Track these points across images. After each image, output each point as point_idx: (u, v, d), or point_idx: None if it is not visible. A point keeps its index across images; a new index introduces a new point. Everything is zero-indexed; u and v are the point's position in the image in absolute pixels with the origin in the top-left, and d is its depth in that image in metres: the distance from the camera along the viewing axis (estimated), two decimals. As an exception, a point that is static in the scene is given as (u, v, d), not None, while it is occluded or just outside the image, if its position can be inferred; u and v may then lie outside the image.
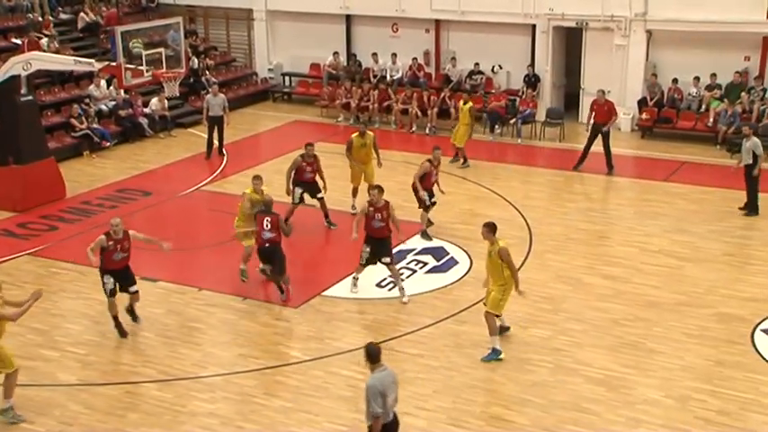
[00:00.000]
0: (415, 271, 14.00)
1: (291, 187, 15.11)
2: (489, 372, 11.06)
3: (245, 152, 20.75)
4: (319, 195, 15.41)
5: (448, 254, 14.65)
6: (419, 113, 22.65)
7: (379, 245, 12.73)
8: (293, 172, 15.11)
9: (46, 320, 12.41)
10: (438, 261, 14.36)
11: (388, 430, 8.21)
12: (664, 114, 21.81)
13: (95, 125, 21.06)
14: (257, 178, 13.49)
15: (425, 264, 14.26)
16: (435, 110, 22.45)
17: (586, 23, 22.41)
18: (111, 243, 11.65)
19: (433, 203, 15.19)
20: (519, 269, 11.48)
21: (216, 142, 20.23)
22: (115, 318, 11.82)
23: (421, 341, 11.82)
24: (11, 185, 16.82)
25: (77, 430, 9.86)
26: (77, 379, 10.89)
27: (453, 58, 24.22)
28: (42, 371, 11.07)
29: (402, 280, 13.08)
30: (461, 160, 19.32)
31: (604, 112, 18.71)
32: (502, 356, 11.18)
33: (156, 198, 17.44)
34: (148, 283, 13.44)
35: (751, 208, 16.25)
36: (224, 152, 20.09)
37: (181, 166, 19.75)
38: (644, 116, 21.89)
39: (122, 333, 11.74)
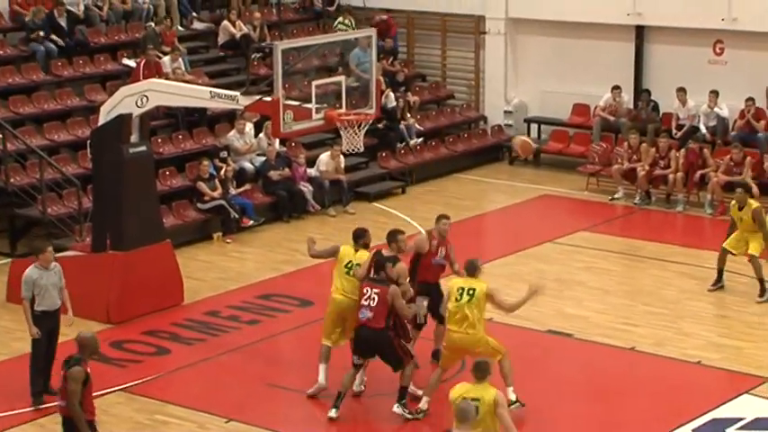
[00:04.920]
0: (742, 456, 13.59)
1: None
2: None
3: (463, 242, 20.69)
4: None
5: (800, 431, 14.09)
6: (755, 189, 21.86)
7: None
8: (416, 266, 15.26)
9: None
10: (783, 442, 13.85)
11: None
12: None
13: (233, 192, 21.91)
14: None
15: (761, 446, 13.82)
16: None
17: None
18: None
19: (422, 324, 15.31)
20: None
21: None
22: None
23: None
24: (105, 283, 17.52)
25: None
26: None
27: (819, 100, 23.62)
28: None
29: None
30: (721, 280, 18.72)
31: None
32: None
33: (320, 310, 17.63)
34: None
35: None
36: (52, 389, 14.70)
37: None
38: None
39: None
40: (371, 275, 14.14)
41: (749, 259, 18.30)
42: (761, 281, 18.32)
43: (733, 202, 18.75)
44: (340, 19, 27.21)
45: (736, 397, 14.82)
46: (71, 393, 11.56)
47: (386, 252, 14.53)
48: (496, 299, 13.88)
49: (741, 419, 14.23)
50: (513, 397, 13.92)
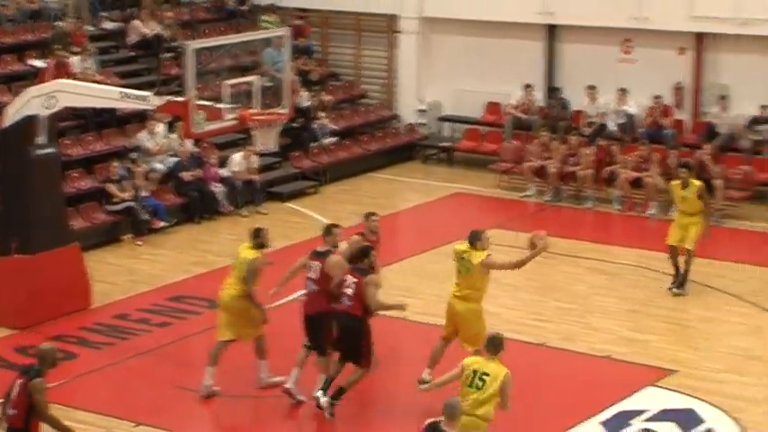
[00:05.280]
0: (648, 447, 13.82)
1: None
2: None
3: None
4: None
5: (702, 421, 14.28)
6: (662, 187, 22.19)
7: None
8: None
9: None
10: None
11: None
12: None
13: (144, 194, 21.83)
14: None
15: (665, 437, 14.04)
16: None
17: None
18: None
19: None
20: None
21: None
22: None
23: None
24: (11, 287, 17.38)
25: None
26: None
27: (723, 97, 23.97)
28: None
29: None
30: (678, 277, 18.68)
31: None
32: None
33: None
34: None
35: None
36: None
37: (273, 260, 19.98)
38: None
39: None
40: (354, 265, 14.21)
41: (686, 254, 18.45)
42: (685, 273, 18.52)
43: (676, 181, 18.86)
44: (264, 16, 27.17)
45: (642, 389, 15.04)
46: (40, 404, 11.41)
47: (320, 248, 14.64)
48: (496, 264, 14.29)
49: (647, 411, 14.47)
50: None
